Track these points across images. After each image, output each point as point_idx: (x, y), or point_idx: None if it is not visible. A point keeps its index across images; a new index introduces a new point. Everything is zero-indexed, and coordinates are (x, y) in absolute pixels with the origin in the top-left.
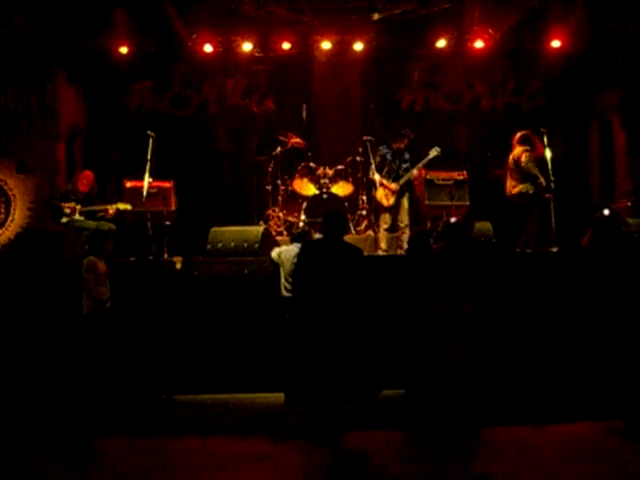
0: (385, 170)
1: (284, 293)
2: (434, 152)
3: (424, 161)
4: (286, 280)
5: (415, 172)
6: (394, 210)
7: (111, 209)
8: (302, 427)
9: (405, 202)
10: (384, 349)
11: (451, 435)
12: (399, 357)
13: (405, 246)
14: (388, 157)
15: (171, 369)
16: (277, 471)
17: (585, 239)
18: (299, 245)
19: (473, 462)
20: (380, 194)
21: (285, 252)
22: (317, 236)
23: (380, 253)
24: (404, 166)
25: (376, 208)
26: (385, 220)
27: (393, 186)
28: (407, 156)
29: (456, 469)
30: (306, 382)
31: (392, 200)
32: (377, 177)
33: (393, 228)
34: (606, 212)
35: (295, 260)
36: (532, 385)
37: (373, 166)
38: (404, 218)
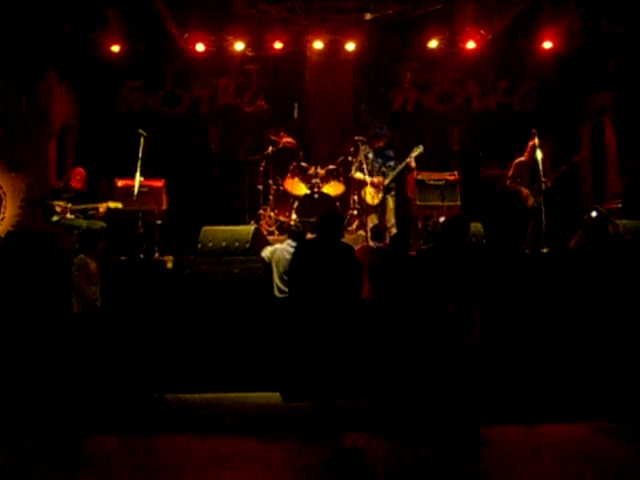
0: (369, 169)
1: (276, 293)
2: (417, 150)
3: (408, 159)
4: (280, 279)
5: (413, 166)
6: (380, 209)
7: (102, 207)
8: (294, 427)
9: (391, 201)
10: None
11: (447, 435)
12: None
13: None
14: (370, 156)
15: (162, 368)
16: (267, 470)
17: (573, 240)
18: (292, 243)
19: (468, 462)
20: (366, 193)
21: (279, 250)
22: (309, 236)
23: None
24: (388, 164)
25: (364, 208)
26: (372, 220)
27: (376, 180)
28: (391, 154)
29: (452, 468)
30: (305, 378)
31: (378, 198)
32: (359, 175)
33: None
34: (594, 214)
35: (289, 257)
36: (525, 385)
37: (355, 166)
38: (390, 218)
